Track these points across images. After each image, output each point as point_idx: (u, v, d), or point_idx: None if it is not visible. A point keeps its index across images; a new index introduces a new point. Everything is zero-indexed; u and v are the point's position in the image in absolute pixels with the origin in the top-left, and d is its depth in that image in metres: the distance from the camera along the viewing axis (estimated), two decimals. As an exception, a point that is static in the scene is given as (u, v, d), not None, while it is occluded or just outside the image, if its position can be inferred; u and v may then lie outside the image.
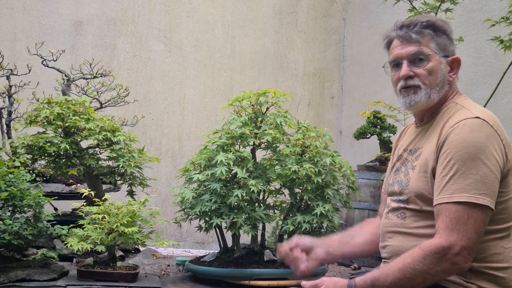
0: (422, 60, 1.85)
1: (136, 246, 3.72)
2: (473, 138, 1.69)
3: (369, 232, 2.06)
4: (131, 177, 3.40)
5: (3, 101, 4.00)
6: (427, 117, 1.91)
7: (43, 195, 2.93)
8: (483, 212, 1.67)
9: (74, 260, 3.30)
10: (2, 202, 2.81)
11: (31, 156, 3.27)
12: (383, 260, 1.94)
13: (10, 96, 3.92)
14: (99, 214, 2.83)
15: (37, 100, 3.46)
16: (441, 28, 1.89)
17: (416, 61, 1.86)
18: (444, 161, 1.72)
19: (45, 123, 3.24)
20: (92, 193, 2.92)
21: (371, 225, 2.10)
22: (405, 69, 1.86)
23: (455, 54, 1.91)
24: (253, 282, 2.98)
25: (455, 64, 1.90)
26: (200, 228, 3.15)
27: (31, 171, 3.36)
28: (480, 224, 1.67)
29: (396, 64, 1.90)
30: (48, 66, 3.97)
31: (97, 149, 3.42)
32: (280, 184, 3.13)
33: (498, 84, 3.74)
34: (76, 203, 3.00)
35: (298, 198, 3.15)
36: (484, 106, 3.27)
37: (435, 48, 1.86)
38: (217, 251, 3.24)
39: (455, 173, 1.69)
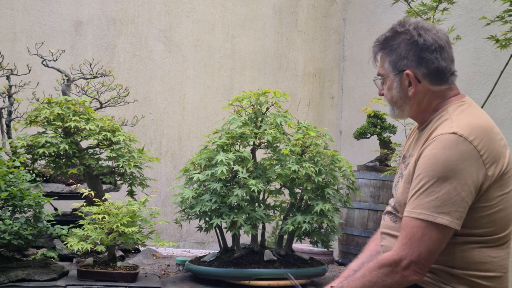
0: (382, 80, 1.92)
1: (136, 246, 3.71)
2: (443, 156, 1.66)
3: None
4: (131, 177, 3.40)
5: (3, 101, 4.00)
6: (424, 123, 1.87)
7: (43, 195, 2.93)
8: (440, 231, 1.66)
9: (74, 260, 3.30)
10: (2, 202, 2.81)
11: (31, 156, 3.27)
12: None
13: (10, 96, 3.92)
14: (99, 214, 2.83)
15: (37, 100, 3.46)
16: (397, 40, 1.84)
17: (381, 80, 1.93)
18: (415, 174, 1.73)
19: (45, 123, 3.24)
20: (92, 193, 2.92)
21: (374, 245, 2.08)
22: (379, 88, 1.95)
23: (415, 64, 1.80)
24: (253, 282, 2.98)
25: (410, 78, 1.81)
26: (200, 228, 3.15)
27: (31, 171, 3.36)
28: (435, 243, 1.66)
29: None
30: (48, 66, 3.97)
31: (97, 149, 3.42)
32: (280, 184, 3.13)
33: (496, 84, 3.73)
34: (76, 203, 3.00)
35: (298, 198, 3.15)
36: (482, 106, 3.27)
37: (388, 67, 1.89)
38: (217, 251, 3.24)
39: (419, 189, 1.69)
